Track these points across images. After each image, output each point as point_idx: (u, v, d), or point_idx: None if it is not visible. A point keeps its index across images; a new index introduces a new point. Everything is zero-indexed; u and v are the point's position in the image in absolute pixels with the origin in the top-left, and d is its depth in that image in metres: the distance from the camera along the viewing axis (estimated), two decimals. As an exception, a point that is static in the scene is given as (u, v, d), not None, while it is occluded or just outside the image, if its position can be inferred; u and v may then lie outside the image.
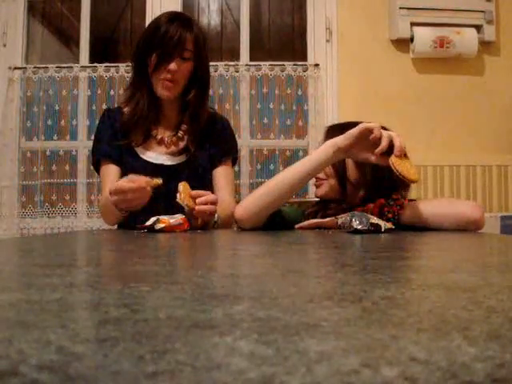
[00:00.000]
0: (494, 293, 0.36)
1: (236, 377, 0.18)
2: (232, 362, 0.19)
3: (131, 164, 1.63)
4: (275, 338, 0.22)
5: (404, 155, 1.26)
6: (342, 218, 1.24)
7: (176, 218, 1.29)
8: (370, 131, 1.26)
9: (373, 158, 1.29)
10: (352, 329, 0.25)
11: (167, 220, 1.26)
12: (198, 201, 1.40)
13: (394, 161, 1.22)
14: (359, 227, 1.14)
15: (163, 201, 1.44)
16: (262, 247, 0.93)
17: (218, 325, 0.25)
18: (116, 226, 1.70)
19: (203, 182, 1.64)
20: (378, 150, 1.24)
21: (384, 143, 1.23)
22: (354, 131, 1.28)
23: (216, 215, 1.47)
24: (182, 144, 1.68)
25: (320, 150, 1.34)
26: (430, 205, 1.40)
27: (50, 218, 2.87)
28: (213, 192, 1.60)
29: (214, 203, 1.44)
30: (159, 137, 1.67)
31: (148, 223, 1.25)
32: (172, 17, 1.62)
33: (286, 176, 1.35)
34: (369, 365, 0.19)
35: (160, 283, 0.41)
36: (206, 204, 1.41)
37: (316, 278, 0.48)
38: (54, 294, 0.34)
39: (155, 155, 1.66)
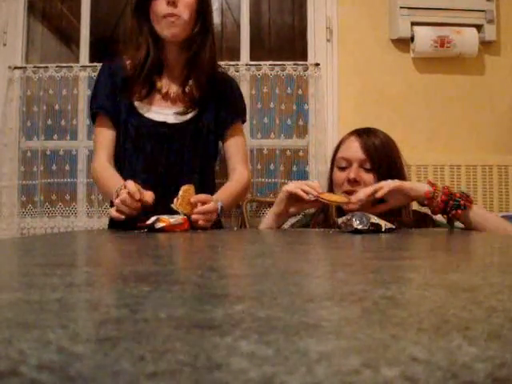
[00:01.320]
0: (494, 293, 0.36)
1: (236, 377, 0.18)
2: (232, 362, 0.19)
3: (132, 123, 1.58)
4: (275, 337, 0.22)
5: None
6: (342, 218, 1.25)
7: (176, 218, 1.29)
8: (293, 193, 1.46)
9: (307, 205, 1.51)
10: (352, 329, 0.25)
11: (167, 219, 1.26)
12: (195, 210, 1.38)
13: (322, 196, 1.41)
14: (359, 227, 1.14)
15: (160, 164, 1.40)
16: (262, 247, 0.93)
17: (219, 325, 0.25)
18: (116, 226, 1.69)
19: (206, 143, 1.60)
20: (308, 199, 1.44)
21: (314, 192, 1.43)
22: (281, 196, 1.51)
23: (219, 205, 1.46)
24: (188, 101, 1.62)
25: (266, 219, 1.56)
26: (493, 215, 1.53)
27: (50, 218, 2.87)
28: (222, 161, 1.57)
29: (212, 212, 1.42)
30: (164, 90, 1.60)
31: (148, 222, 1.25)
32: None
33: None
34: (369, 365, 0.19)
35: (160, 283, 0.41)
36: (203, 213, 1.39)
37: (316, 277, 0.48)
38: (54, 293, 0.34)
39: (159, 110, 1.60)
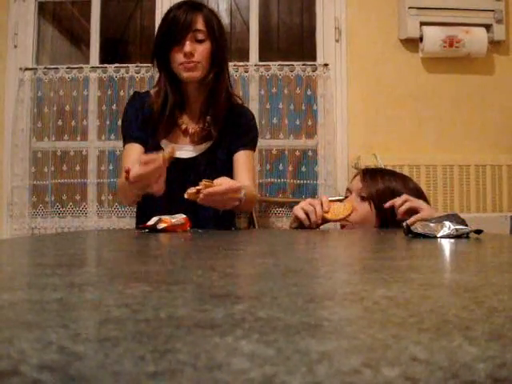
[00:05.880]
0: (495, 293, 0.36)
1: (237, 377, 0.18)
2: (233, 362, 0.19)
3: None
4: (276, 337, 0.22)
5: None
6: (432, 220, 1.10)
7: (177, 218, 1.29)
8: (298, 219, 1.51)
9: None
10: (353, 328, 0.25)
11: (169, 220, 1.25)
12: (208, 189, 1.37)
13: (326, 215, 1.45)
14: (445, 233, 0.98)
15: (179, 194, 1.41)
16: (262, 247, 0.93)
17: (219, 324, 0.25)
18: (117, 226, 1.72)
19: (221, 174, 1.64)
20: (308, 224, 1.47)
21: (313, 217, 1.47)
22: (292, 217, 1.54)
23: (242, 192, 1.48)
24: (205, 136, 1.70)
25: None
26: None
27: (60, 218, 2.88)
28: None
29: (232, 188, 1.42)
30: (184, 127, 1.68)
31: (150, 223, 1.25)
32: (180, 3, 1.65)
33: None
34: (370, 365, 0.19)
35: (161, 283, 0.41)
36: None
37: (317, 277, 0.48)
38: (54, 293, 0.34)
39: (179, 146, 1.67)
